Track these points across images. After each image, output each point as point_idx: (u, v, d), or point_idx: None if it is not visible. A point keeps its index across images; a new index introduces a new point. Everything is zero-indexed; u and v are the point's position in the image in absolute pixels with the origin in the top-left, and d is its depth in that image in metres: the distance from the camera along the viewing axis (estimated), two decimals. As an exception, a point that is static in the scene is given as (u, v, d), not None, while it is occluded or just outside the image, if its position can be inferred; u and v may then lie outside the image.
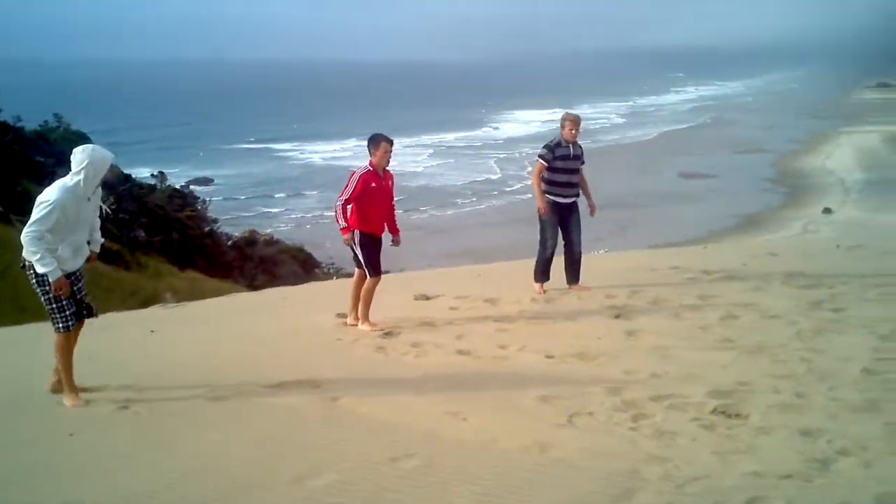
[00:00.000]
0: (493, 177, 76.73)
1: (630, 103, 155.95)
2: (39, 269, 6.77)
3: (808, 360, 7.90)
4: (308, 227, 56.24)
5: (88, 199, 7.00)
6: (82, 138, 53.36)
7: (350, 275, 10.36)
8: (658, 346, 8.58)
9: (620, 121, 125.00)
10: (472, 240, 48.98)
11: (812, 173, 69.58)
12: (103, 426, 6.58)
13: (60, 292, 6.84)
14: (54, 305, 6.95)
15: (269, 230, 49.17)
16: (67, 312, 7.00)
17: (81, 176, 6.83)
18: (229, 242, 41.40)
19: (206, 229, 40.84)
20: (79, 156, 6.88)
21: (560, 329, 9.48)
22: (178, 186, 50.51)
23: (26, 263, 6.93)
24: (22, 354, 9.59)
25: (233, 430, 6.44)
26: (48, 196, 6.76)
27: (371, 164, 9.63)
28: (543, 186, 11.37)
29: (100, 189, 7.21)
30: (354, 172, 9.67)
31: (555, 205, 11.32)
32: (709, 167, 75.58)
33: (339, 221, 9.59)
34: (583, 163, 11.49)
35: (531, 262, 11.75)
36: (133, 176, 45.68)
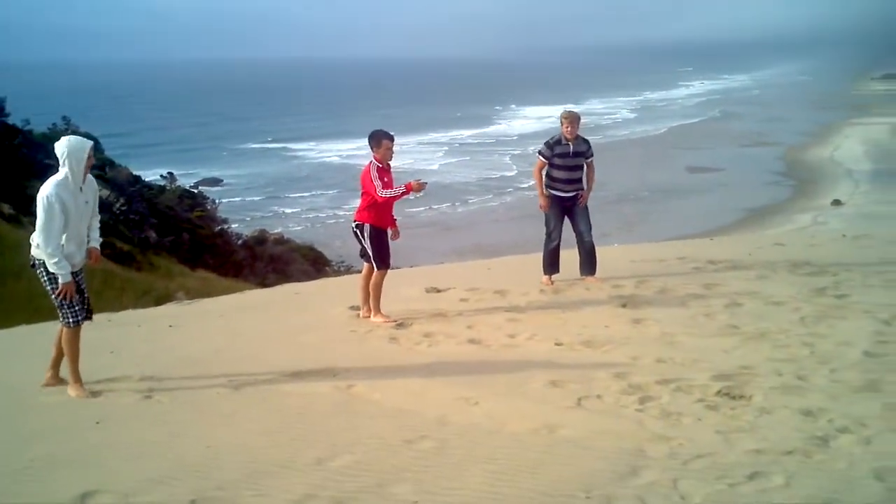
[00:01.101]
0: (509, 174, 76.25)
1: (640, 98, 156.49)
2: (53, 269, 7.04)
3: (810, 345, 8.11)
4: (319, 226, 56.35)
5: (80, 189, 7.21)
6: (91, 141, 53.74)
7: (360, 271, 10.56)
8: (664, 334, 8.78)
9: (631, 116, 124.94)
10: (482, 236, 49.07)
11: (821, 165, 69.57)
12: (126, 415, 6.80)
13: (65, 294, 7.12)
14: (65, 301, 7.20)
15: (279, 229, 49.41)
16: (77, 308, 7.28)
17: (66, 168, 7.07)
18: (240, 242, 41.63)
19: (217, 229, 41.11)
20: (58, 149, 7.12)
21: (568, 318, 9.67)
22: (187, 187, 50.79)
23: (36, 262, 7.22)
24: (42, 352, 9.77)
25: (252, 416, 6.66)
26: (44, 192, 7.01)
27: (376, 159, 9.77)
28: (545, 181, 11.55)
29: (93, 181, 7.47)
30: (368, 169, 9.73)
31: (556, 198, 11.51)
32: (716, 161, 75.56)
33: (398, 191, 9.65)
34: (590, 156, 11.57)
35: (541, 256, 11.94)
36: (142, 177, 45.99)
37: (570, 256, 11.89)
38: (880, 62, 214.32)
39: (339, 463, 5.60)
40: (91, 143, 7.27)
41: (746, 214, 51.43)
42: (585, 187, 11.63)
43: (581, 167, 11.53)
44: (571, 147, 11.35)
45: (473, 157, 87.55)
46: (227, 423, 6.49)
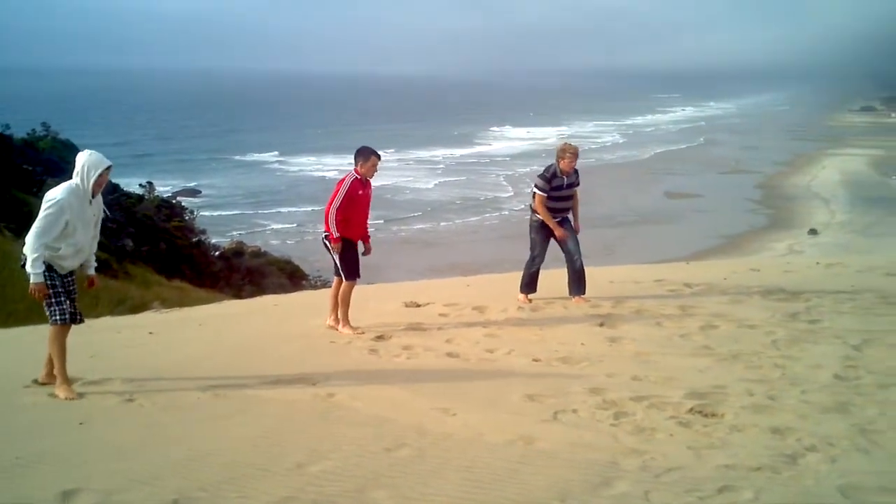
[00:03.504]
0: (503, 195, 76.10)
1: (629, 122, 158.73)
2: (29, 267, 7.16)
3: (781, 367, 8.28)
4: (297, 241, 56.26)
5: (90, 202, 7.38)
6: (70, 147, 53.61)
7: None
8: (639, 353, 8.94)
9: (620, 140, 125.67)
10: (461, 255, 49.21)
11: (798, 195, 70.24)
12: (109, 417, 6.88)
13: (36, 294, 7.22)
14: (52, 299, 7.29)
15: (257, 242, 49.36)
16: (65, 306, 7.35)
17: (79, 178, 7.27)
18: (216, 253, 41.55)
19: (194, 240, 41.00)
20: (78, 160, 7.34)
21: (546, 335, 9.80)
22: (165, 197, 50.67)
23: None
24: (22, 354, 9.83)
25: (234, 421, 6.75)
26: (54, 194, 7.19)
27: (357, 171, 10.00)
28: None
29: (100, 198, 7.60)
30: (344, 179, 10.00)
31: (541, 225, 11.61)
32: (695, 187, 75.99)
33: (333, 230, 9.92)
34: (577, 185, 11.70)
35: (519, 275, 12.07)
36: (121, 186, 45.88)
37: (549, 276, 12.06)
38: (859, 94, 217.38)
39: (318, 468, 5.70)
40: (109, 163, 7.44)
41: (723, 241, 51.79)
42: (572, 216, 11.78)
43: (572, 196, 11.68)
44: (566, 180, 11.47)
45: (468, 177, 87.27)
46: (208, 428, 6.58)
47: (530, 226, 11.76)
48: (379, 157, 10.10)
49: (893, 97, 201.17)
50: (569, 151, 11.38)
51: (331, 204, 9.90)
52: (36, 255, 7.12)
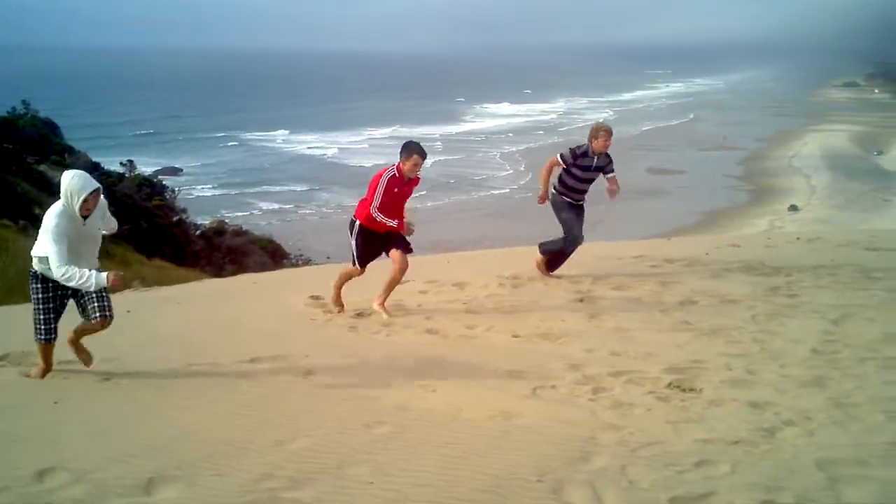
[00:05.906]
0: (501, 173, 75.56)
1: (620, 98, 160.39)
2: (77, 286, 6.69)
3: (761, 341, 8.31)
4: (280, 221, 56.01)
5: (84, 223, 6.92)
6: (51, 125, 53.27)
7: (318, 264, 10.59)
8: (619, 328, 8.95)
9: (613, 116, 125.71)
10: (457, 232, 49.09)
11: (779, 171, 70.41)
12: (86, 396, 6.84)
13: (115, 285, 6.87)
14: (41, 317, 7.09)
15: (239, 221, 49.17)
16: (52, 325, 7.14)
17: (63, 203, 6.79)
18: (198, 232, 41.39)
19: (175, 219, 40.83)
20: (62, 182, 6.81)
21: (526, 312, 9.79)
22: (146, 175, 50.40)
23: (36, 273, 7.04)
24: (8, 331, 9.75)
25: (212, 398, 6.72)
26: (50, 221, 6.74)
27: (398, 168, 9.40)
28: (559, 187, 11.24)
29: (97, 214, 7.08)
30: (382, 175, 9.38)
31: (569, 205, 11.28)
32: (678, 163, 76.03)
33: (389, 223, 9.36)
34: (610, 172, 11.19)
35: (501, 251, 12.03)
36: (102, 165, 45.62)
37: (530, 252, 12.05)
38: (842, 70, 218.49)
39: (297, 445, 5.69)
40: (95, 186, 6.85)
41: (704, 217, 51.91)
42: (609, 198, 11.39)
43: (593, 181, 11.28)
44: (595, 161, 11.03)
45: (466, 155, 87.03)
46: (185, 406, 6.55)
47: (557, 205, 11.33)
48: (423, 156, 9.38)
49: (876, 73, 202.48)
50: (602, 130, 10.91)
51: (369, 201, 9.33)
52: (68, 274, 6.59)
